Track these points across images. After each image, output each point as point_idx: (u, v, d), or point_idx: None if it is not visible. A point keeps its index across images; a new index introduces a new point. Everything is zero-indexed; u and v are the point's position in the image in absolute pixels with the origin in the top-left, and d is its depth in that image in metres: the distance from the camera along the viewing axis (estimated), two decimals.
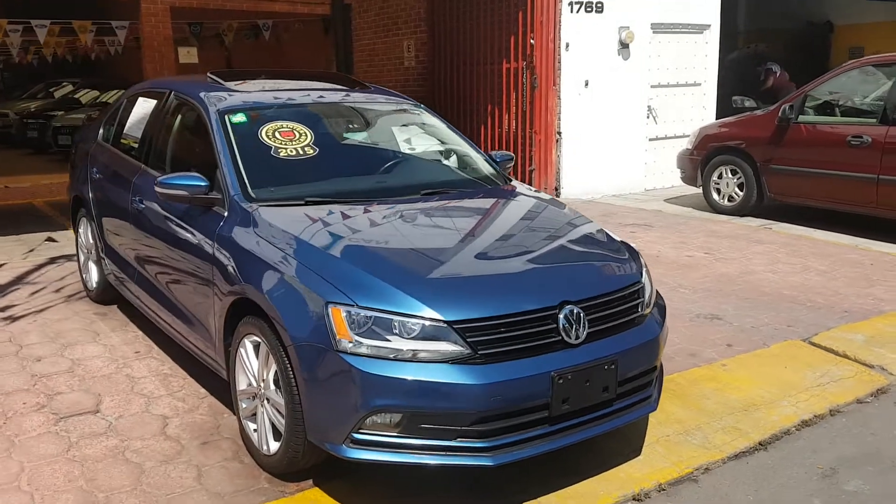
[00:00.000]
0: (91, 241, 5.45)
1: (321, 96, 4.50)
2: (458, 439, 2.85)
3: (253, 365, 3.33)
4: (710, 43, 11.43)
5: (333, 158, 4.12)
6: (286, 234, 3.32)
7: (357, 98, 4.61)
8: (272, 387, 3.21)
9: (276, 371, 3.15)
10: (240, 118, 4.06)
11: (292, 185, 3.84)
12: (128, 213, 4.54)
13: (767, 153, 8.49)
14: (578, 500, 3.14)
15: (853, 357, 4.64)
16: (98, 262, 5.30)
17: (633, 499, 3.21)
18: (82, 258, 5.69)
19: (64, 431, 3.65)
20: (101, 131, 5.46)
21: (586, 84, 10.38)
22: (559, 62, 10.24)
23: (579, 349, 3.00)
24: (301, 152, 3.92)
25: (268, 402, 3.24)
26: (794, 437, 3.76)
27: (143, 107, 4.84)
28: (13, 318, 5.22)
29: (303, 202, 3.62)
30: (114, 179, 4.85)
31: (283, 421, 3.13)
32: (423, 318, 2.85)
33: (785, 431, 3.79)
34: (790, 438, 3.75)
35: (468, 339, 2.83)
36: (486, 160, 4.45)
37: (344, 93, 4.69)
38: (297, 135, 4.00)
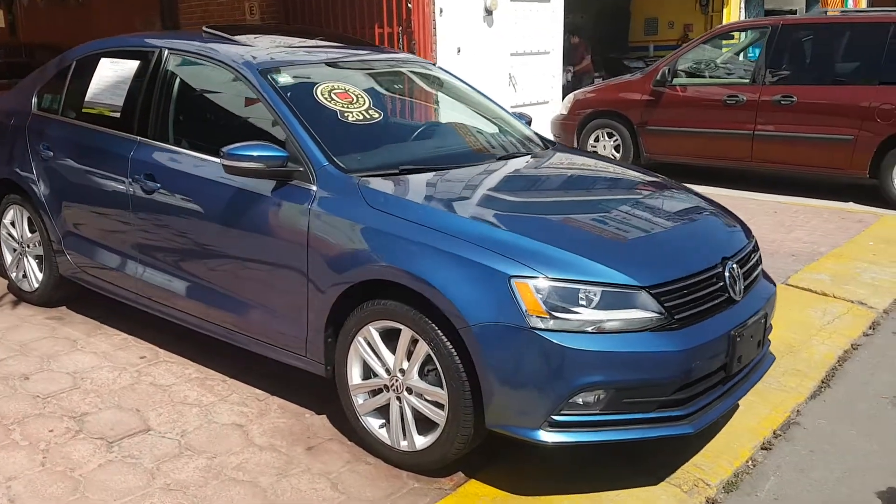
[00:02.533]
0: (29, 233, 4.55)
1: (351, 54, 4.05)
2: (658, 410, 2.73)
3: (384, 355, 2.95)
4: (556, 12, 11.80)
5: (397, 123, 3.74)
6: (420, 207, 2.96)
7: (380, 58, 4.20)
8: (415, 376, 2.87)
9: (423, 359, 2.82)
10: (285, 78, 3.55)
11: (374, 153, 3.44)
12: (120, 194, 3.83)
13: (644, 115, 8.97)
14: (729, 456, 3.15)
15: (834, 295, 5.05)
16: (47, 258, 4.44)
17: (762, 448, 3.28)
18: (8, 257, 4.74)
19: (130, 458, 3.04)
20: (34, 100, 4.54)
21: (458, 51, 10.33)
22: (435, 28, 10.10)
23: (741, 305, 2.99)
24: (367, 116, 3.51)
25: (410, 394, 2.90)
26: (843, 372, 4.03)
27: (115, 70, 4.08)
28: None
29: (397, 171, 3.25)
30: (88, 156, 4.06)
31: (440, 412, 2.81)
32: (616, 285, 2.68)
33: (832, 368, 4.05)
34: (840, 373, 4.02)
35: (664, 304, 2.70)
36: (522, 122, 4.26)
37: (364, 51, 4.25)
38: (354, 97, 3.58)
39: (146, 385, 3.64)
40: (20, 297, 4.71)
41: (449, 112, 4.09)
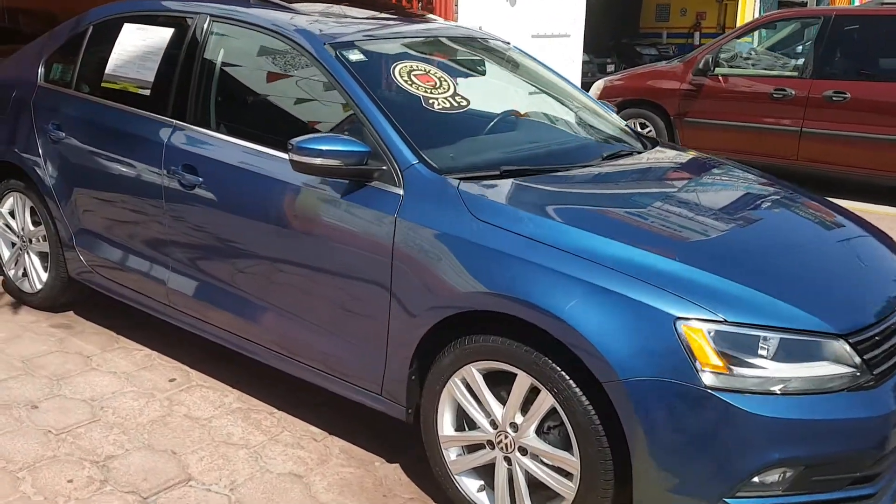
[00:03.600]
0: (32, 226, 3.92)
1: (420, 29, 3.44)
2: (849, 488, 2.18)
3: (489, 403, 2.39)
4: None
5: (486, 113, 3.15)
6: (544, 221, 2.38)
7: (453, 33, 3.59)
8: (532, 434, 2.31)
9: (546, 413, 2.27)
10: (357, 55, 2.95)
11: (469, 150, 2.87)
12: (151, 187, 3.22)
13: (682, 105, 8.44)
14: None
15: None
16: (54, 255, 3.81)
17: None
18: (6, 252, 4.10)
19: None
20: (40, 70, 3.89)
21: (479, 30, 9.75)
22: (457, 6, 9.52)
23: None
24: (454, 104, 2.92)
25: (524, 455, 2.34)
26: None
27: (143, 38, 3.45)
28: None
29: (498, 172, 2.67)
30: (109, 141, 3.43)
31: (566, 482, 2.26)
32: (807, 332, 2.12)
33: None
34: None
35: (864, 356, 2.15)
36: (610, 111, 3.68)
37: (424, 23, 3.64)
38: (437, 80, 2.98)
39: (180, 417, 3.05)
40: (20, 298, 4.08)
41: (534, 99, 3.49)
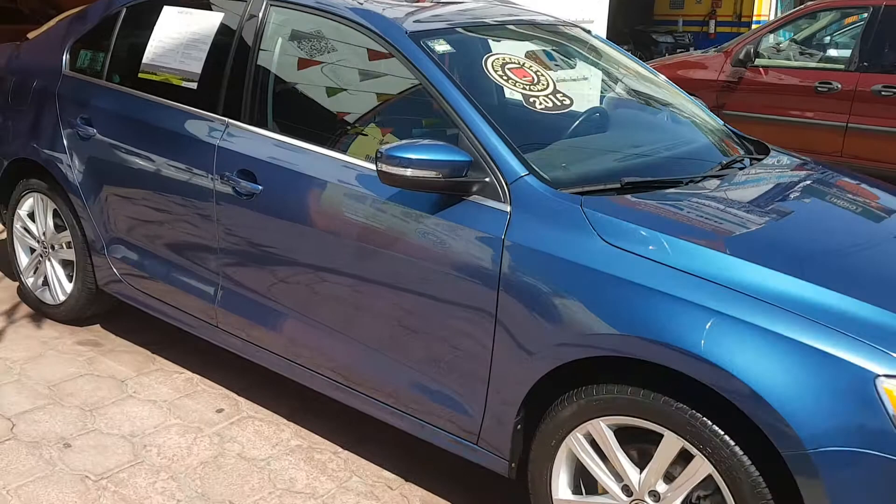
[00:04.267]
0: (55, 231, 3.52)
1: (499, 14, 3.03)
2: None
3: (621, 465, 2.02)
4: None
5: (590, 113, 2.76)
6: (695, 249, 1.99)
7: (536, 20, 3.18)
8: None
9: (699, 483, 1.90)
10: (444, 46, 2.55)
11: (582, 159, 2.49)
12: (199, 194, 2.82)
13: (720, 97, 8.05)
14: None
15: None
16: (81, 265, 3.41)
17: None
18: (24, 258, 3.70)
19: None
20: (65, 58, 3.47)
21: None
22: None
23: None
24: (557, 103, 2.53)
25: None
26: None
27: (187, 24, 3.04)
28: None
29: (620, 185, 2.28)
30: (149, 140, 3.02)
31: None
32: None
33: None
34: None
35: None
36: (705, 108, 3.29)
37: (499, 7, 3.23)
38: (535, 76, 2.59)
39: (234, 458, 2.68)
40: (39, 310, 3.69)
41: (629, 93, 3.09)
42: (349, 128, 2.61)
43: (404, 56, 2.46)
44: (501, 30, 2.91)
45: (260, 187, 2.64)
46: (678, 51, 15.56)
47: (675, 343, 1.86)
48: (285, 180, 2.59)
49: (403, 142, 2.22)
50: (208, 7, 3.02)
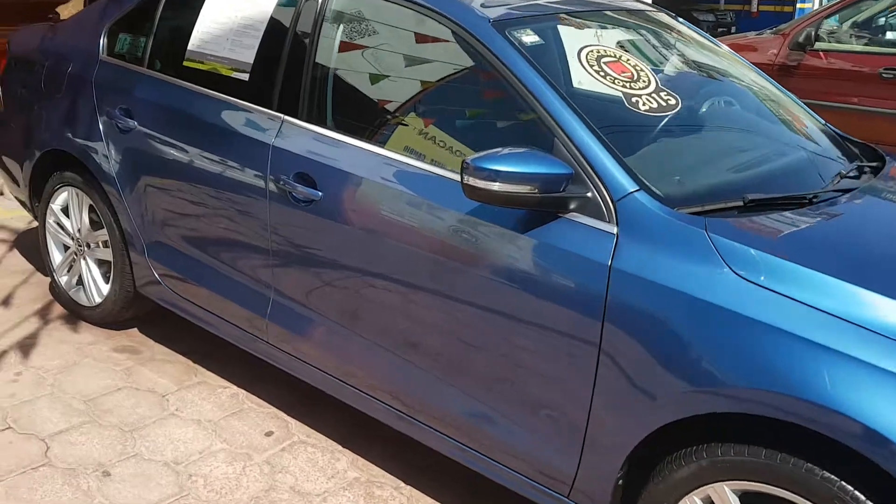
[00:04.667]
0: (90, 228, 3.28)
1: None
2: None
3: None
4: None
5: (698, 115, 2.44)
6: (862, 294, 1.67)
7: (619, 3, 2.84)
8: None
9: None
10: (532, 37, 2.25)
11: (696, 171, 2.18)
12: (251, 197, 2.55)
13: (778, 82, 7.64)
14: None
15: None
16: (119, 266, 3.17)
17: None
18: (57, 255, 3.46)
19: None
20: (102, 42, 3.20)
21: None
22: None
23: None
24: (661, 104, 2.21)
25: None
26: None
27: (237, 8, 2.75)
28: None
29: (742, 203, 1.97)
30: (196, 134, 2.75)
31: None
32: None
33: None
34: None
35: None
36: (802, 106, 2.96)
37: None
38: (634, 71, 2.27)
39: (287, 492, 2.42)
40: (73, 311, 3.45)
41: (730, 89, 2.75)
42: (421, 131, 2.31)
43: (488, 49, 2.15)
44: (590, 16, 2.58)
45: (320, 193, 2.36)
46: (719, 30, 15.08)
47: (825, 403, 1.57)
48: (349, 187, 2.31)
49: (492, 151, 1.92)
50: None
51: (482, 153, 1.91)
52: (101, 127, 3.06)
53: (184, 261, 2.92)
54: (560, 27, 2.43)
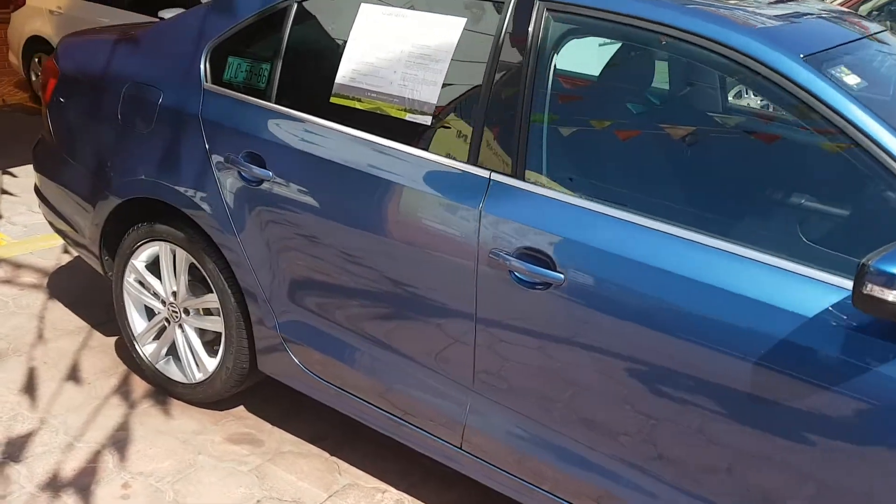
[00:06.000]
0: (189, 293, 2.71)
1: (851, 19, 2.22)
2: None
3: None
4: None
5: None
6: None
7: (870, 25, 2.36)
8: None
9: None
10: (853, 77, 1.77)
11: None
12: (447, 273, 2.03)
13: None
14: None
15: None
16: (235, 341, 2.61)
17: None
18: (138, 321, 2.89)
19: None
20: (204, 66, 2.61)
21: None
22: None
23: None
24: None
25: None
26: None
27: (402, 31, 2.19)
28: (55, 486, 2.42)
29: None
30: (363, 192, 2.19)
31: None
32: None
33: None
34: None
35: None
36: None
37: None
38: None
39: None
40: (164, 388, 2.89)
41: None
42: (693, 198, 1.81)
43: (812, 94, 1.66)
44: (874, 46, 2.10)
45: (561, 276, 1.85)
46: None
47: None
48: (605, 269, 1.79)
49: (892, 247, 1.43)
50: (436, 9, 2.18)
51: (884, 252, 1.42)
52: (215, 174, 2.49)
53: (334, 341, 2.38)
54: (857, 57, 1.94)
